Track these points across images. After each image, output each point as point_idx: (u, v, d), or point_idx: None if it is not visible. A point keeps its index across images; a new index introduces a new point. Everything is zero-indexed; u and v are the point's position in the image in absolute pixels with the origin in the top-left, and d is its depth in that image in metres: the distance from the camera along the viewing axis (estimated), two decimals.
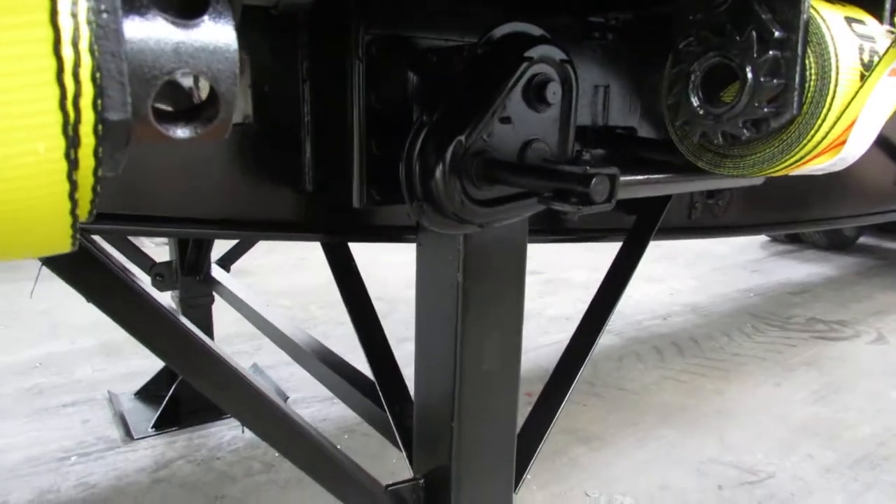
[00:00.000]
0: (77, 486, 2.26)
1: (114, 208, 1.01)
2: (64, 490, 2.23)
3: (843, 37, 0.57)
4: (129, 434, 2.58)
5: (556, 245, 1.50)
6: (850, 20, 0.59)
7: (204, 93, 0.36)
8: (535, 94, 0.89)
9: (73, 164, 0.31)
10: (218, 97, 0.36)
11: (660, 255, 5.52)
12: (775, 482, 2.37)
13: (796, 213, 2.46)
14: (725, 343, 3.78)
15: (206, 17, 0.35)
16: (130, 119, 0.32)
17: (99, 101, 0.30)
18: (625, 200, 1.67)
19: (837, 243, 6.08)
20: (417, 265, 1.08)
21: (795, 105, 0.56)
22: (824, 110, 0.56)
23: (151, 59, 0.33)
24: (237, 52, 0.37)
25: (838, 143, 0.59)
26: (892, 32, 0.58)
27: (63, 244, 0.35)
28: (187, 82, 0.36)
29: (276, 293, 4.58)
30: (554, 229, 1.41)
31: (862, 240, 6.31)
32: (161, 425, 2.60)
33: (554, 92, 0.88)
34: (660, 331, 3.98)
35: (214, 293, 2.67)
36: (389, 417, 1.30)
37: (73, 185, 0.32)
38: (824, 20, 0.57)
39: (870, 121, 0.59)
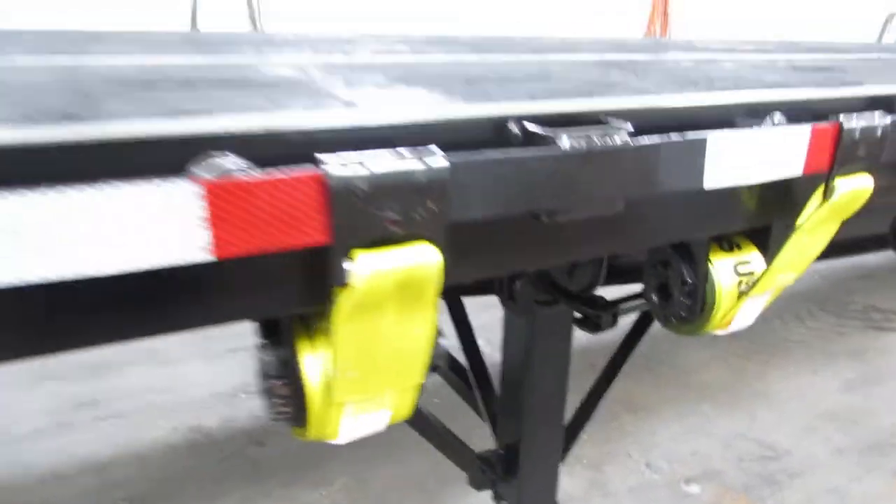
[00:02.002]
0: (249, 416, 3.10)
1: None
2: (240, 419, 3.08)
3: (726, 277, 1.09)
4: None
5: None
6: (738, 263, 1.11)
7: None
8: None
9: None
10: None
11: None
12: (789, 458, 2.89)
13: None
14: (778, 326, 4.18)
15: None
16: None
17: None
18: None
19: None
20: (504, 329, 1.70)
21: (696, 313, 1.10)
22: (713, 316, 1.09)
23: None
24: None
25: (724, 325, 1.13)
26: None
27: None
28: None
29: None
30: None
31: None
32: None
33: None
34: None
35: None
36: (483, 409, 1.95)
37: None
38: (716, 270, 1.09)
39: (745, 315, 1.13)
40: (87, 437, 3.03)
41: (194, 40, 2.05)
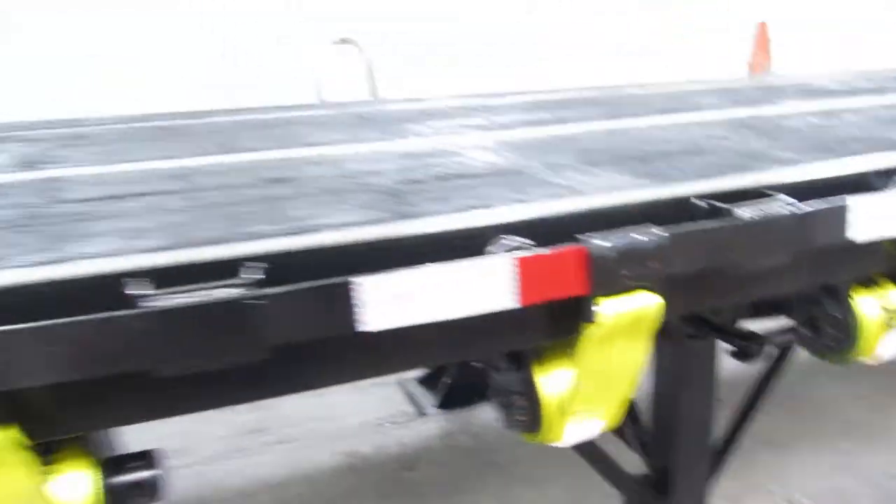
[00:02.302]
0: (398, 444, 3.43)
1: None
2: (390, 446, 3.41)
3: (872, 313, 1.26)
4: (419, 411, 3.72)
5: None
6: (881, 299, 1.28)
7: None
8: None
9: None
10: None
11: None
12: None
13: None
14: None
15: None
16: None
17: None
18: None
19: None
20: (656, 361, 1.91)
21: (841, 343, 1.28)
22: (856, 347, 1.27)
23: None
24: None
25: (869, 356, 1.30)
26: None
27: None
28: None
29: None
30: None
31: None
32: (442, 406, 3.70)
33: None
34: None
35: None
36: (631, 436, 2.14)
37: None
38: (859, 306, 1.27)
39: (887, 346, 1.30)
40: (261, 459, 3.46)
41: (364, 118, 2.45)
